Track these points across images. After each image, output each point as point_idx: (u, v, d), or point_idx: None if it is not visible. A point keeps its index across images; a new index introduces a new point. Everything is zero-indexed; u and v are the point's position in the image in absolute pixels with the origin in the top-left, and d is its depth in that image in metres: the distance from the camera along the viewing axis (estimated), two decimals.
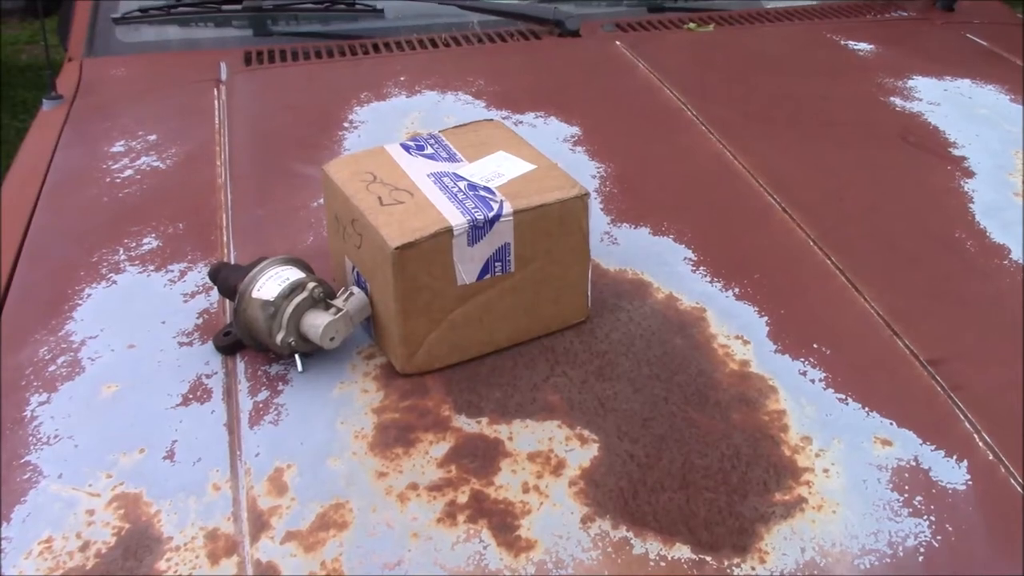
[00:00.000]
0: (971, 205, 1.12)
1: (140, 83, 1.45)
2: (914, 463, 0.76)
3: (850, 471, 0.76)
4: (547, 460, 0.76)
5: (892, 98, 1.40)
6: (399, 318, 0.82)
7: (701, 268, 1.00)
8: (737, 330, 0.91)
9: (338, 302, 0.83)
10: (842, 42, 1.62)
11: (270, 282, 0.82)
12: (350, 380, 0.85)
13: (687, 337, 0.90)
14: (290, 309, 0.82)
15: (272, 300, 0.82)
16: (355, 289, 0.85)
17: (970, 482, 0.75)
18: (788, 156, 1.22)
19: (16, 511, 0.72)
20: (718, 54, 1.58)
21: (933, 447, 0.78)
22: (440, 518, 0.71)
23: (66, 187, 1.16)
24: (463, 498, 0.73)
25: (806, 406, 0.82)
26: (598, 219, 1.07)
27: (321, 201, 1.02)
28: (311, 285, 0.83)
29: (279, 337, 0.82)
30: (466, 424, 0.80)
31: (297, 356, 0.84)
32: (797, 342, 0.89)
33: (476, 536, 0.70)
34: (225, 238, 1.05)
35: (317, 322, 0.81)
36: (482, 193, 0.84)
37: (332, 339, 0.82)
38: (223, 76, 1.44)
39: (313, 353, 0.85)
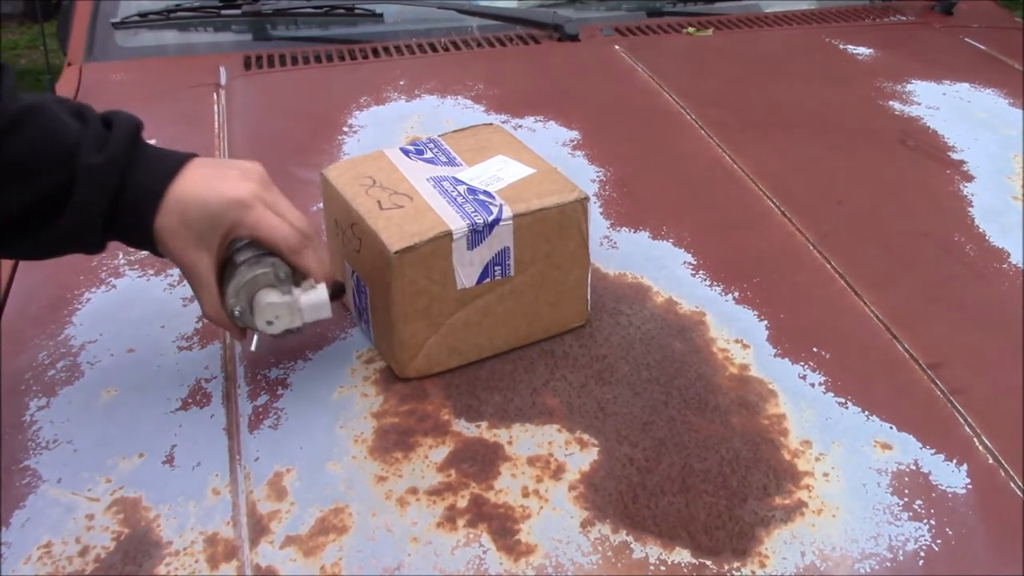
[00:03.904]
0: (970, 209, 1.13)
1: (139, 88, 1.45)
2: (914, 467, 0.76)
3: (850, 475, 0.76)
4: (547, 464, 0.76)
5: (891, 102, 1.40)
6: (399, 322, 0.82)
7: (700, 272, 1.00)
8: (737, 334, 0.91)
9: (297, 290, 0.79)
10: (841, 46, 1.62)
11: (249, 249, 0.79)
12: (349, 384, 0.85)
13: (687, 341, 0.90)
14: (248, 277, 0.78)
15: (237, 264, 0.78)
16: (319, 285, 0.80)
17: (970, 486, 0.75)
18: (787, 160, 1.22)
19: (15, 516, 0.72)
20: (717, 58, 1.58)
21: (933, 451, 0.78)
22: (440, 522, 0.71)
23: None
24: (463, 502, 0.73)
25: (806, 410, 0.82)
26: (597, 223, 1.07)
27: (320, 205, 1.02)
28: (279, 263, 0.78)
29: (230, 302, 0.78)
30: (465, 428, 0.80)
31: (255, 335, 0.81)
32: (797, 346, 0.89)
33: (476, 540, 0.70)
34: None
35: (264, 299, 0.78)
36: (481, 197, 0.85)
37: (270, 323, 0.78)
38: (223, 80, 1.44)
39: (261, 334, 0.81)
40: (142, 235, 0.76)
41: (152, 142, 0.77)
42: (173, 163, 0.76)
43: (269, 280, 0.78)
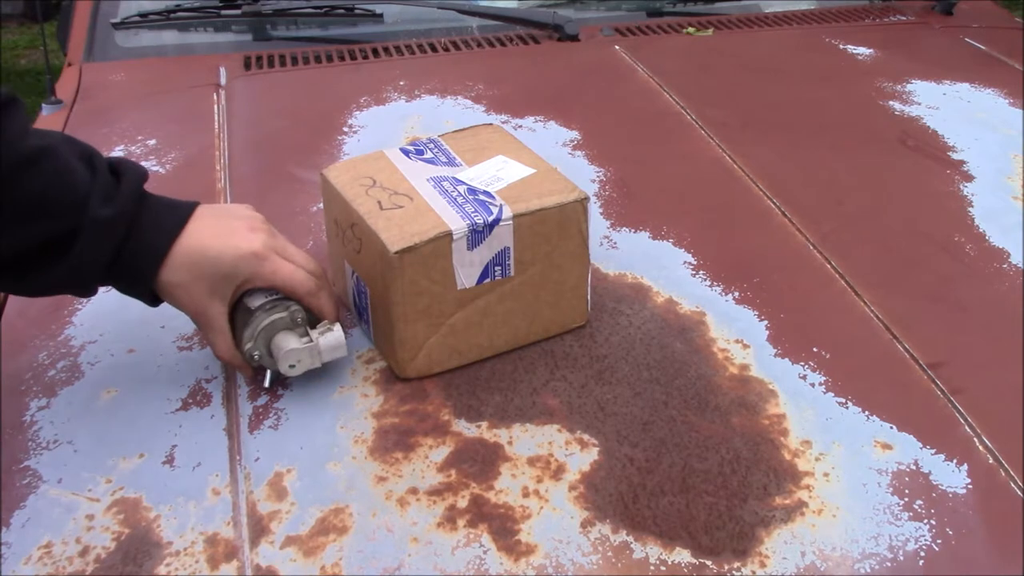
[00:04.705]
0: (970, 209, 1.13)
1: (140, 88, 1.45)
2: (914, 467, 0.76)
3: (850, 475, 0.76)
4: (547, 464, 0.76)
5: (891, 102, 1.40)
6: (399, 322, 0.82)
7: (701, 272, 1.00)
8: (737, 334, 0.91)
9: (314, 333, 0.82)
10: (841, 46, 1.62)
11: (260, 293, 0.82)
12: (350, 384, 0.85)
13: (687, 341, 0.90)
14: (265, 322, 0.80)
15: (252, 309, 0.81)
16: (335, 326, 0.83)
17: (970, 486, 0.75)
18: (787, 160, 1.22)
19: (16, 516, 0.72)
20: (717, 58, 1.58)
21: (933, 451, 0.78)
22: (440, 522, 0.71)
23: None
24: (463, 503, 0.73)
25: (806, 410, 0.82)
26: (597, 223, 1.07)
27: (320, 206, 1.02)
28: (294, 308, 0.81)
29: (247, 347, 0.80)
30: (466, 428, 0.80)
31: (268, 372, 0.83)
32: (797, 346, 0.89)
33: (476, 540, 0.70)
34: None
35: (284, 344, 0.80)
36: (481, 197, 0.85)
37: (292, 367, 0.80)
38: (222, 81, 1.44)
39: (281, 376, 0.84)
40: (140, 287, 0.78)
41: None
42: (177, 218, 0.77)
43: (286, 324, 0.81)
